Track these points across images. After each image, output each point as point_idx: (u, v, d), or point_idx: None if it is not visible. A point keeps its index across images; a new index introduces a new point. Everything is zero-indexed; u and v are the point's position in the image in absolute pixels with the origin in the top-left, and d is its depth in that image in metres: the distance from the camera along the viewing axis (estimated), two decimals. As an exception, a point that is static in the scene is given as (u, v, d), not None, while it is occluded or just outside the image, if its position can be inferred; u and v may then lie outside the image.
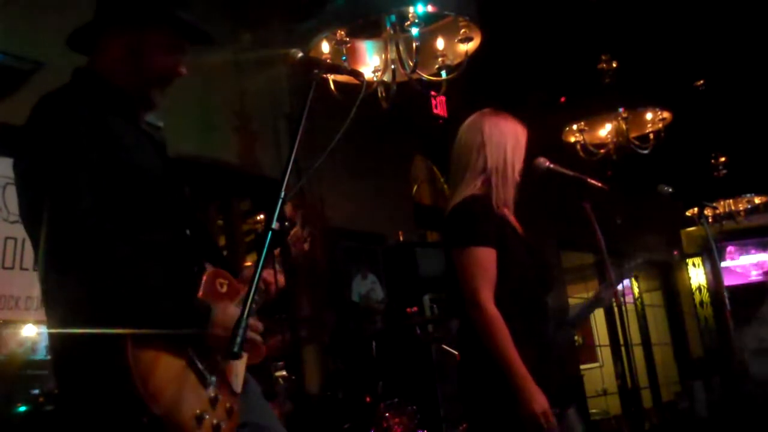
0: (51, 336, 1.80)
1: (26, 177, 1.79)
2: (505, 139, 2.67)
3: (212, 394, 1.79)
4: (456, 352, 4.65)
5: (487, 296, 2.49)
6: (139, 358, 1.65)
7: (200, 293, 1.90)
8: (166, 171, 1.96)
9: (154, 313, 1.70)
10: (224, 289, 1.98)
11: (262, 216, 5.56)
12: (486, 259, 2.54)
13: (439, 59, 3.82)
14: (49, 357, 1.86)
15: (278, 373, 3.86)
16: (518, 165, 2.69)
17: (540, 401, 2.40)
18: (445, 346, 5.05)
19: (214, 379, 1.81)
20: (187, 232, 1.96)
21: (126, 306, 1.68)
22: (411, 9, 3.63)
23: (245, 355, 1.94)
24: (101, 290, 1.65)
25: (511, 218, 2.70)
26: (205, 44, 2.03)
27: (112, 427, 1.69)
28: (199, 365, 1.79)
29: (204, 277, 1.94)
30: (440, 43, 3.82)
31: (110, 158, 1.75)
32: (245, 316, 1.59)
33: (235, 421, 1.84)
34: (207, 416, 1.73)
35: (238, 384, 1.92)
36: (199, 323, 1.77)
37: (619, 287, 2.95)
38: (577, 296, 10.24)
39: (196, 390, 1.76)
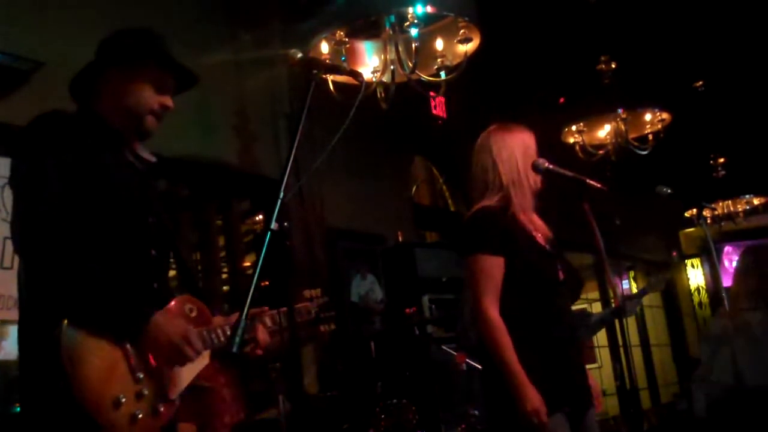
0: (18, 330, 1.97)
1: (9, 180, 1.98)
2: (514, 151, 2.79)
3: (138, 389, 1.88)
4: (455, 353, 4.66)
5: (488, 302, 2.61)
6: (70, 336, 1.80)
7: (167, 309, 2.03)
8: (143, 198, 2.10)
9: (91, 303, 1.85)
10: (193, 314, 2.10)
11: (261, 216, 5.56)
12: (490, 266, 2.65)
13: (439, 60, 3.83)
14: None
15: (276, 374, 3.86)
16: (532, 171, 2.78)
17: (532, 400, 2.49)
18: (444, 347, 5.04)
19: (143, 377, 1.90)
20: (153, 252, 2.09)
21: (68, 289, 1.84)
22: (410, 9, 3.63)
23: (191, 369, 2.02)
24: (50, 273, 1.84)
25: (530, 225, 2.78)
26: (191, 85, 2.23)
27: (40, 395, 1.85)
28: (132, 361, 1.89)
29: (173, 300, 2.07)
30: (439, 44, 3.82)
31: (84, 174, 1.94)
32: (244, 316, 1.61)
33: (159, 423, 1.92)
34: (125, 401, 1.82)
35: (174, 391, 1.97)
36: (135, 322, 1.90)
37: (619, 290, 2.97)
38: (576, 297, 10.22)
39: (122, 378, 1.86)
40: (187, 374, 2.02)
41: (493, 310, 2.60)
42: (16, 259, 3.62)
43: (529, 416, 2.48)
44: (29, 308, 1.94)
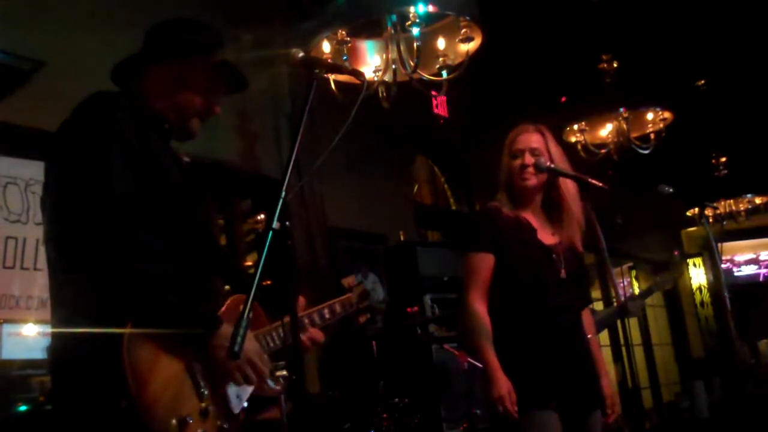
0: (55, 333, 1.82)
1: (65, 165, 1.81)
2: (503, 157, 2.87)
3: (203, 406, 1.79)
4: (457, 352, 4.66)
5: (473, 296, 2.73)
6: (134, 349, 1.67)
7: (222, 312, 1.94)
8: (191, 193, 2.02)
9: (163, 306, 1.73)
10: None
11: (262, 216, 5.56)
12: (478, 263, 2.77)
13: (440, 59, 3.83)
14: (48, 356, 1.86)
15: (278, 373, 3.86)
16: (516, 169, 2.81)
17: (500, 388, 2.57)
18: (446, 346, 5.04)
19: (208, 392, 1.82)
20: (204, 249, 2.02)
21: (139, 291, 1.71)
22: (412, 9, 3.63)
23: (251, 385, 1.95)
24: (120, 273, 1.69)
25: (531, 223, 2.81)
26: (241, 90, 2.19)
27: (95, 410, 1.70)
28: (197, 375, 1.80)
29: (229, 301, 2.00)
30: (441, 43, 3.82)
31: (144, 158, 1.82)
32: (245, 315, 1.59)
33: None
34: (192, 422, 1.73)
35: (237, 405, 1.91)
36: (206, 329, 1.80)
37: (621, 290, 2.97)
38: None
39: (187, 396, 1.77)
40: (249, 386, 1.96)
41: (475, 302, 2.71)
42: (17, 258, 3.64)
43: (495, 402, 2.57)
44: (78, 309, 1.74)
